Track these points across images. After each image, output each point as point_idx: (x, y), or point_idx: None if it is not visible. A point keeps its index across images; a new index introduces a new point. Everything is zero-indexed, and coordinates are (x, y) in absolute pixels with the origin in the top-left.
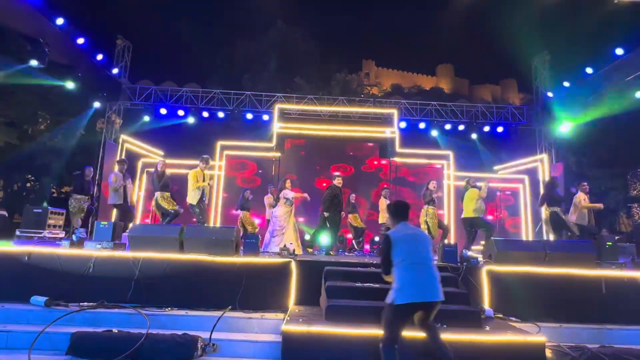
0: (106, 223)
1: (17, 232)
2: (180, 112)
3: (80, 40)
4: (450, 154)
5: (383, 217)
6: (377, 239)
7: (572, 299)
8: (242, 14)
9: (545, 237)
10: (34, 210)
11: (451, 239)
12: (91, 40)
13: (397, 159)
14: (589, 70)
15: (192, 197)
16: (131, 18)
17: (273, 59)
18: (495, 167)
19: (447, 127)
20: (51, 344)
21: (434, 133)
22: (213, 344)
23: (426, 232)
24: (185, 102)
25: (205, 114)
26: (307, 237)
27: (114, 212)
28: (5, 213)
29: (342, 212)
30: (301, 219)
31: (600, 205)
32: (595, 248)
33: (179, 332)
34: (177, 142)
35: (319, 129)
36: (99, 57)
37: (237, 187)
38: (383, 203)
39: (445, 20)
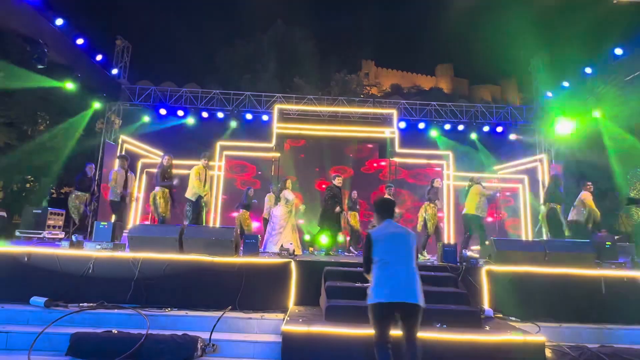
0: (106, 223)
1: (17, 233)
2: (180, 113)
3: (80, 41)
4: (449, 154)
5: None
6: None
7: (571, 298)
8: (242, 14)
9: (545, 237)
10: (34, 211)
11: (451, 239)
12: (90, 40)
13: (396, 159)
14: (588, 70)
15: (190, 193)
16: (130, 18)
17: (272, 60)
18: (495, 167)
19: (447, 127)
20: (51, 344)
21: (434, 133)
22: (213, 345)
23: (420, 226)
24: (184, 103)
25: (205, 114)
26: (307, 237)
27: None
28: (4, 214)
29: (344, 210)
30: (301, 221)
31: (597, 213)
32: (595, 248)
33: (179, 333)
34: (177, 143)
35: (318, 129)
36: (99, 57)
37: (237, 190)
38: None
39: (445, 20)
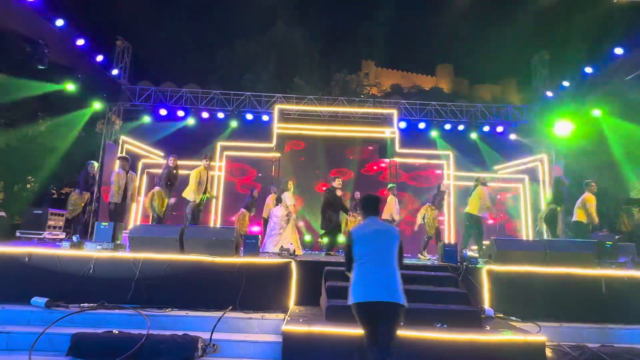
0: (106, 224)
1: (17, 233)
2: (180, 113)
3: (80, 42)
4: (450, 153)
5: (387, 213)
6: None
7: (572, 298)
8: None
9: (545, 237)
10: (34, 212)
11: (451, 239)
12: (91, 41)
13: (397, 159)
14: (588, 69)
15: (189, 194)
16: (131, 19)
17: (273, 60)
18: (495, 167)
19: (447, 127)
20: (52, 345)
21: (434, 133)
22: (213, 345)
23: (417, 227)
24: (185, 103)
25: (205, 115)
26: (307, 238)
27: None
28: (3, 214)
29: (349, 214)
30: (301, 223)
31: (595, 220)
32: (595, 247)
33: (180, 333)
34: (177, 143)
35: (318, 129)
36: (99, 58)
37: (237, 193)
38: (391, 201)
39: (445, 20)
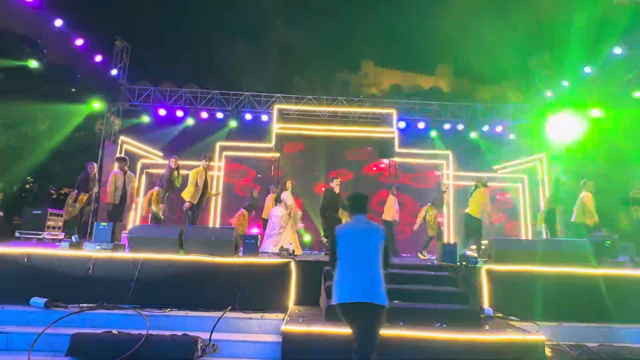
0: (105, 224)
1: (17, 234)
2: (179, 113)
3: (79, 42)
4: (449, 153)
5: (387, 214)
6: None
7: (571, 297)
8: (241, 14)
9: (544, 237)
10: (33, 212)
11: (451, 239)
12: (90, 41)
13: (396, 159)
14: (587, 69)
15: (188, 195)
16: (130, 19)
17: (272, 60)
18: (495, 167)
19: (447, 126)
20: (51, 345)
21: (433, 133)
22: (213, 345)
23: (418, 226)
24: (184, 103)
25: (204, 115)
26: (307, 238)
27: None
28: (1, 214)
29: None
30: (300, 225)
31: (595, 219)
32: (594, 247)
33: (179, 333)
34: (176, 143)
35: (318, 129)
36: (98, 58)
37: (236, 195)
38: (390, 201)
39: (445, 20)
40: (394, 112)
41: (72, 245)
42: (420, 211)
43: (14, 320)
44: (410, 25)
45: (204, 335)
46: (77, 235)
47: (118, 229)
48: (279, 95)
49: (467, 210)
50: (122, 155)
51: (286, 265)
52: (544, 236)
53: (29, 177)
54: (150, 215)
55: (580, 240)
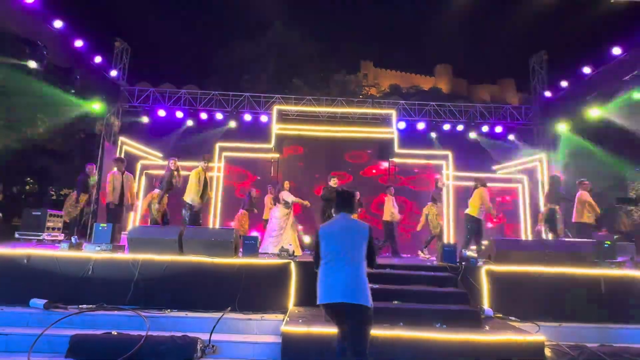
0: (105, 225)
1: (16, 235)
2: (179, 114)
3: (79, 43)
4: (449, 154)
5: (387, 214)
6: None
7: (571, 298)
8: (241, 15)
9: (545, 237)
10: (33, 213)
11: (451, 239)
12: (89, 42)
13: (396, 160)
14: (586, 69)
15: (189, 196)
16: (129, 20)
17: (271, 60)
18: (494, 167)
19: (446, 127)
20: (50, 346)
21: (433, 133)
22: (213, 346)
23: (421, 226)
24: (183, 104)
25: (204, 116)
26: (307, 240)
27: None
28: (0, 215)
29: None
30: (300, 227)
31: (597, 211)
32: (594, 247)
33: (179, 334)
34: (176, 144)
35: (317, 130)
36: (98, 59)
37: (235, 197)
38: (388, 201)
39: (445, 20)
40: (393, 113)
41: (72, 247)
42: (423, 210)
43: (14, 321)
44: (410, 25)
45: (204, 336)
46: (76, 237)
47: (117, 230)
48: (279, 96)
49: (467, 211)
50: (120, 156)
51: (286, 266)
52: (544, 236)
53: (28, 178)
54: (150, 217)
55: (582, 241)
